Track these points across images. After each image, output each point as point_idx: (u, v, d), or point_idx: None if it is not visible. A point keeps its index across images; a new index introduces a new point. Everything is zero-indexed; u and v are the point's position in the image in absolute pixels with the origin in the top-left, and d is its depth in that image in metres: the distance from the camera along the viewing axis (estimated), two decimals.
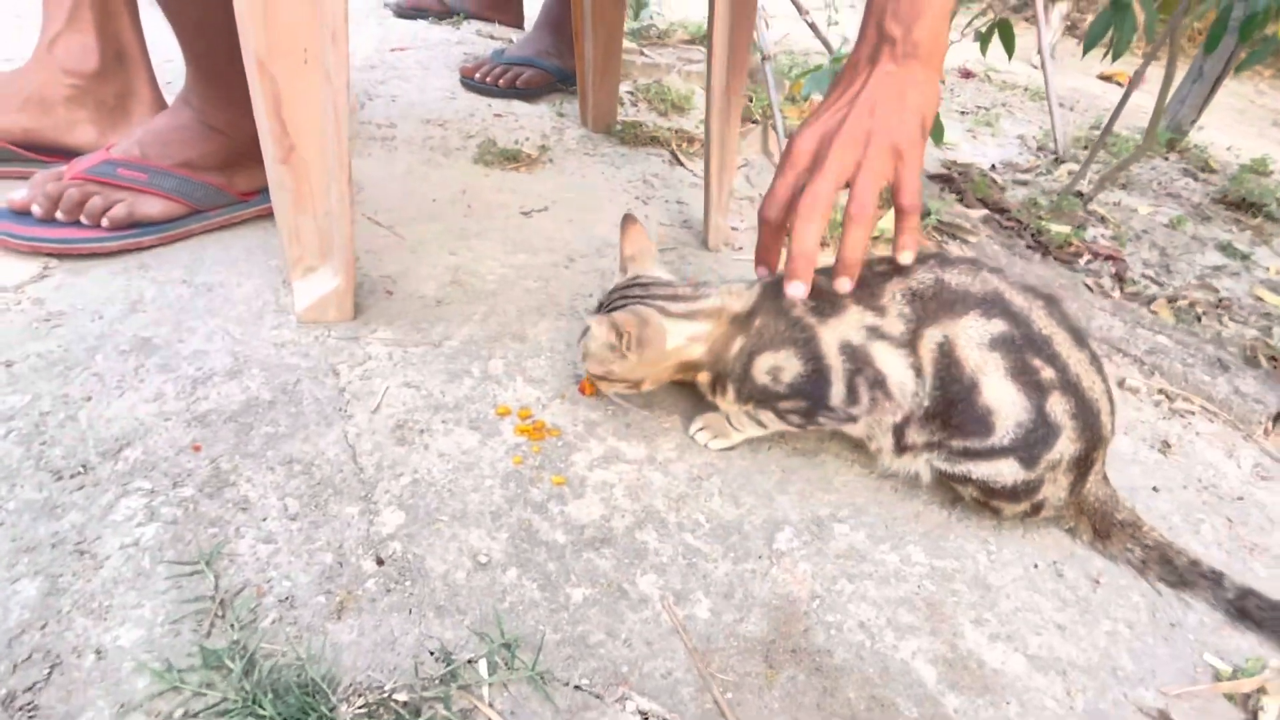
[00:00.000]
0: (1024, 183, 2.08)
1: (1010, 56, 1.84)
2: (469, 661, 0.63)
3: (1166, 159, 2.50)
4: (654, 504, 0.80)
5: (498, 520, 0.76)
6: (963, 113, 2.61)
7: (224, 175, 1.08)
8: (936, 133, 1.62)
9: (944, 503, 0.86)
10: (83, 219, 0.98)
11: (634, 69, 1.96)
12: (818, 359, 0.79)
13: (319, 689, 0.59)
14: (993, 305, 0.75)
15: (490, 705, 0.60)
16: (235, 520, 0.71)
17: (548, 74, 1.76)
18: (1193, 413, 1.09)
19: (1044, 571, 0.80)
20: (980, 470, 0.78)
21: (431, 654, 0.63)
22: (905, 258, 0.78)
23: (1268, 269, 1.78)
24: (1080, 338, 0.77)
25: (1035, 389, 0.75)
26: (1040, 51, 2.05)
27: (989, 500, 0.81)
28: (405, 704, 0.59)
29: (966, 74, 3.12)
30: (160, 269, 1.00)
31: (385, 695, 0.60)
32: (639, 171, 1.53)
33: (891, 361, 0.77)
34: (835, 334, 0.78)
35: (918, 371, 0.77)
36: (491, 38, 2.11)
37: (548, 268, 1.16)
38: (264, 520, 0.71)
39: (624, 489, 0.81)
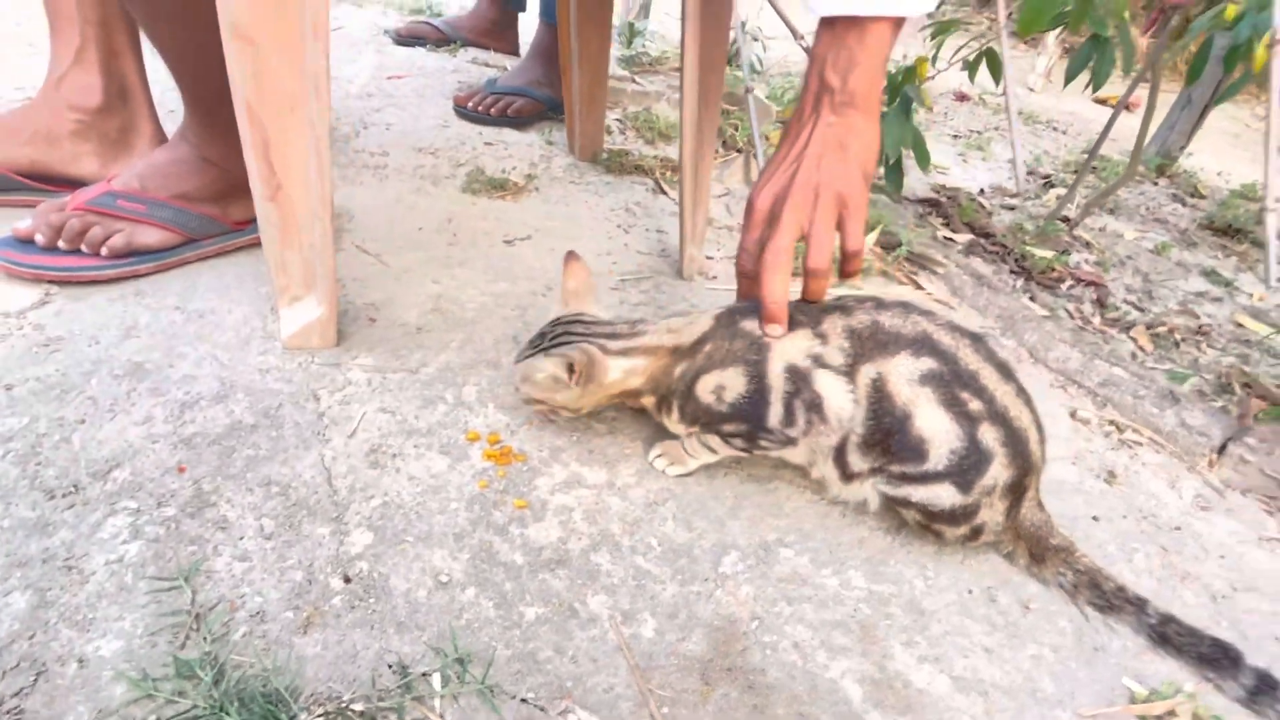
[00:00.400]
0: (1012, 207, 2.11)
1: (998, 83, 1.89)
2: (424, 675, 0.68)
3: (1155, 184, 2.53)
4: (610, 528, 0.85)
5: (460, 541, 0.80)
6: (955, 136, 2.65)
7: (219, 206, 1.14)
8: (922, 159, 1.67)
9: (889, 529, 0.91)
10: (83, 248, 1.04)
11: (624, 96, 2.02)
12: (760, 379, 0.84)
13: (282, 698, 0.64)
14: (922, 345, 0.80)
15: (441, 716, 0.65)
16: (214, 539, 0.76)
17: (539, 103, 1.82)
18: (1141, 444, 1.13)
19: (978, 597, 0.84)
20: (919, 494, 0.83)
21: (390, 667, 0.68)
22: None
23: (1251, 295, 1.80)
24: (1007, 372, 0.82)
25: (966, 419, 0.79)
26: (1005, 91, 2.09)
27: (931, 524, 0.86)
28: (361, 713, 0.64)
29: (961, 97, 3.16)
30: (155, 296, 1.06)
31: (343, 705, 0.65)
32: (622, 200, 1.58)
33: (829, 385, 0.82)
34: (780, 358, 0.84)
35: (855, 399, 0.82)
36: (487, 65, 2.17)
37: (526, 296, 1.21)
38: (241, 539, 0.76)
39: (583, 513, 0.86)
